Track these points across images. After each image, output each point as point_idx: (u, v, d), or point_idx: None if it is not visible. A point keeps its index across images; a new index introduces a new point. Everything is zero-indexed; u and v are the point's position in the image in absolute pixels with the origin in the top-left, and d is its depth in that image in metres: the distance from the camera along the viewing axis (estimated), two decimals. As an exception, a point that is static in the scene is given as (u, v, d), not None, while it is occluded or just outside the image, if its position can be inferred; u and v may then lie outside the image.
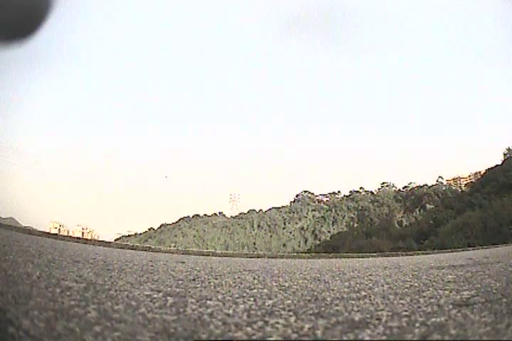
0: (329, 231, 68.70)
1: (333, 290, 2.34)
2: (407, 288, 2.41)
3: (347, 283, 2.70)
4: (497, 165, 50.61)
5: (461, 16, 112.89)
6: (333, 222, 71.73)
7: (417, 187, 71.02)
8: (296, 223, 75.45)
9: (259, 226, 77.18)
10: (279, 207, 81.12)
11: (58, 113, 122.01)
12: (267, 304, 1.78)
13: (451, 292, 2.15)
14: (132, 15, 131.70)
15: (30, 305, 1.40)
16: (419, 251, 14.75)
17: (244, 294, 2.07)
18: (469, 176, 67.77)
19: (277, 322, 1.39)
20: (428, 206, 62.16)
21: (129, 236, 79.80)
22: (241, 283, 2.57)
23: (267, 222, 77.27)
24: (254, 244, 72.53)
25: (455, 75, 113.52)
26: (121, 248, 7.70)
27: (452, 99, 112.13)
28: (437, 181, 70.19)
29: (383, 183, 76.07)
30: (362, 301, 1.89)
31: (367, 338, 1.20)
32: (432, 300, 1.88)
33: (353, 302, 1.86)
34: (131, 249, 7.53)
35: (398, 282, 2.75)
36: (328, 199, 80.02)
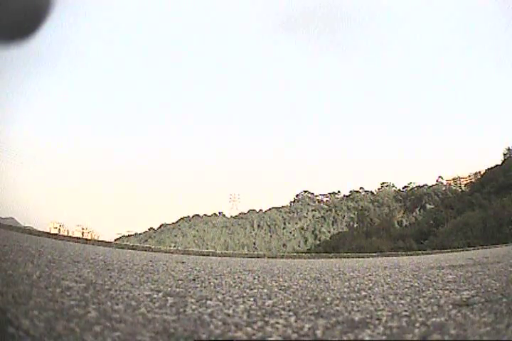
0: (329, 231, 68.62)
1: (333, 290, 2.34)
2: (407, 288, 2.41)
3: (347, 283, 2.70)
4: (497, 165, 50.53)
5: (461, 16, 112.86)
6: (333, 222, 71.65)
7: (417, 187, 70.94)
8: (296, 223, 75.39)
9: (259, 226, 77.11)
10: (279, 207, 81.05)
11: (58, 113, 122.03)
12: (267, 304, 1.78)
13: (451, 292, 2.15)
14: (132, 15, 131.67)
15: (30, 305, 1.40)
16: (419, 251, 14.74)
17: (244, 294, 2.07)
18: (469, 176, 67.70)
19: (277, 322, 1.39)
20: (428, 206, 62.09)
21: (129, 236, 79.71)
22: (241, 283, 2.57)
23: (267, 222, 77.20)
24: (254, 244, 72.47)
25: (455, 75, 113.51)
26: (121, 248, 7.70)
27: (452, 99, 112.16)
28: (437, 181, 70.19)
29: (383, 183, 76.02)
30: (362, 301, 1.89)
31: (367, 338, 1.20)
32: (432, 300, 1.88)
33: (353, 302, 1.86)
34: (131, 249, 7.53)
35: (398, 282, 2.75)
36: (328, 199, 79.96)
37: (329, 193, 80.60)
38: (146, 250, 7.74)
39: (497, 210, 35.67)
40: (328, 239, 63.52)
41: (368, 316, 1.51)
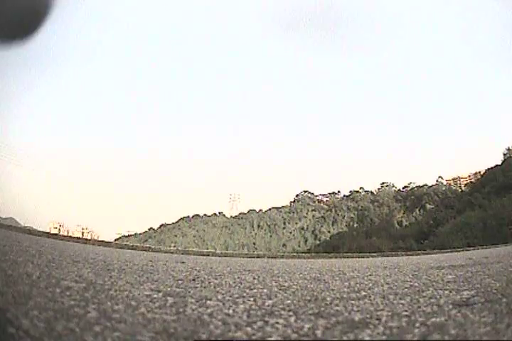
0: (329, 231, 68.59)
1: (333, 290, 2.34)
2: (407, 288, 2.41)
3: (347, 283, 2.70)
4: (497, 165, 50.52)
5: (460, 16, 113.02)
6: (333, 222, 71.61)
7: (417, 187, 70.90)
8: (296, 223, 75.36)
9: (259, 226, 77.08)
10: (279, 207, 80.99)
11: (58, 113, 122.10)
12: (267, 304, 1.78)
13: (451, 292, 2.15)
14: (132, 15, 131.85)
15: (30, 305, 1.40)
16: (419, 251, 14.71)
17: (244, 294, 2.07)
18: (469, 176, 67.68)
19: (277, 322, 1.39)
20: (428, 206, 62.09)
21: (129, 236, 79.65)
22: (241, 283, 2.57)
23: (267, 222, 77.17)
24: (254, 244, 72.45)
25: (455, 75, 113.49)
26: (121, 248, 7.71)
27: (452, 98, 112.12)
28: (437, 181, 70.14)
29: (383, 183, 75.97)
30: (362, 301, 1.89)
31: (367, 338, 1.20)
32: (431, 300, 1.88)
33: (353, 302, 1.86)
34: (131, 249, 7.53)
35: (398, 282, 2.75)
36: (328, 199, 79.93)
37: (329, 193, 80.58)
38: (146, 250, 7.74)
39: (497, 210, 35.64)
40: (328, 239, 63.51)
41: (367, 316, 1.51)
